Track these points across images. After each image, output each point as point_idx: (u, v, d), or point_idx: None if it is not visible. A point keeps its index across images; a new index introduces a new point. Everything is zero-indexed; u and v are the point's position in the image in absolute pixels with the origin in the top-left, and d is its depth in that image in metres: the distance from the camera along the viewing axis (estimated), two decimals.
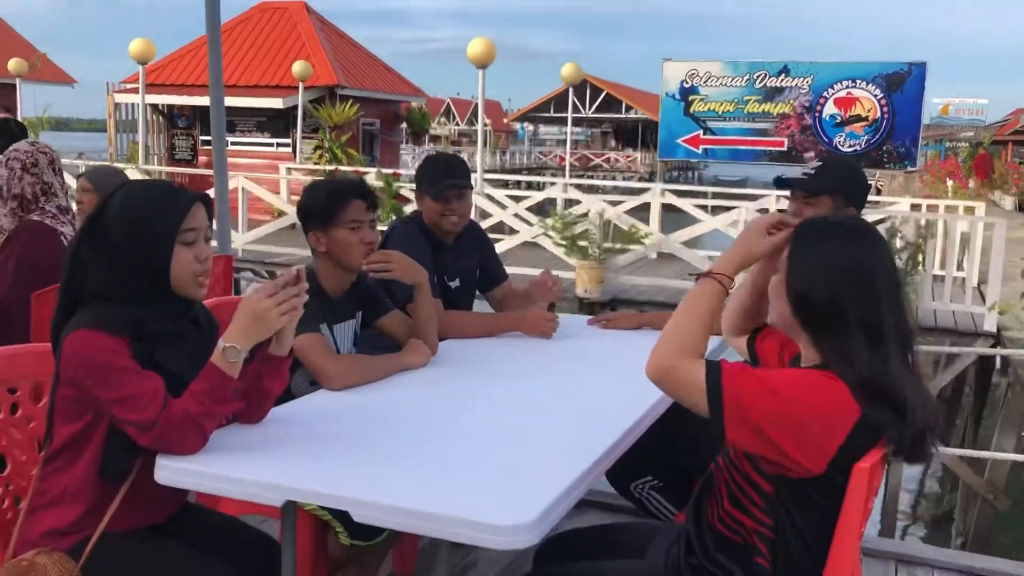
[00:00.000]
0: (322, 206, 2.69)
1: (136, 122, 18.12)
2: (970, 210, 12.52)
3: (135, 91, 17.39)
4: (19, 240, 3.37)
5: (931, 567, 3.39)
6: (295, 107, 18.19)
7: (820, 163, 2.87)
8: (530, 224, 11.69)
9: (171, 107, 19.62)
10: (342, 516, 2.36)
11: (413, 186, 12.90)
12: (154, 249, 1.97)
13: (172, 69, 20.02)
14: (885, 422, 1.71)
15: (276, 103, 18.49)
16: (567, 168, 17.50)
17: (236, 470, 1.88)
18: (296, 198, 14.85)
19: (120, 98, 19.72)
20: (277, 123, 19.21)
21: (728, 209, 11.27)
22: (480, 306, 3.59)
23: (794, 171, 3.00)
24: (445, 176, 3.24)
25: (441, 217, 3.25)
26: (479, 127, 11.95)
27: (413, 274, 2.80)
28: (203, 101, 18.38)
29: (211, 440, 1.95)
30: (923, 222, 8.74)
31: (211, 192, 4.47)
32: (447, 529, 1.70)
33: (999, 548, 7.41)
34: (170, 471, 1.89)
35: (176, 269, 1.99)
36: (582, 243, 9.97)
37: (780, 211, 11.42)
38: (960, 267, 10.66)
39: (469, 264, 3.44)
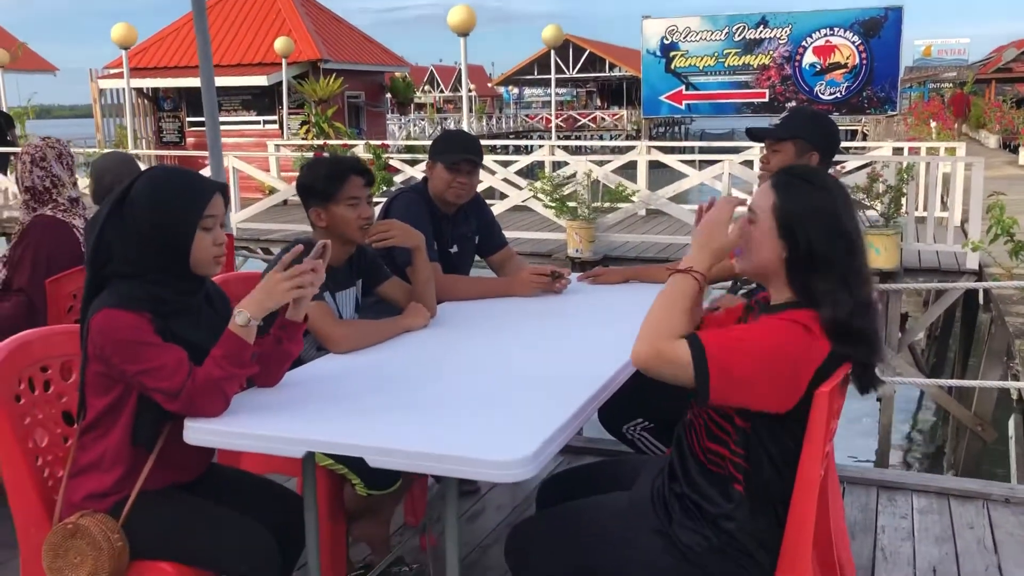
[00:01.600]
0: (322, 184, 2.83)
1: (122, 107, 18.12)
2: (951, 151, 12.65)
3: (119, 76, 17.36)
4: (32, 235, 3.54)
5: (910, 491, 3.60)
6: (279, 84, 18.20)
7: (788, 113, 3.10)
8: (519, 188, 11.81)
9: (156, 90, 19.59)
10: (358, 468, 2.55)
11: (402, 156, 12.98)
12: (178, 233, 2.15)
13: (155, 52, 19.96)
14: (850, 355, 1.90)
15: (260, 80, 18.48)
16: (553, 130, 17.56)
17: (258, 427, 2.06)
18: (286, 174, 14.99)
19: (104, 84, 19.67)
20: (262, 100, 19.21)
21: (713, 163, 11.39)
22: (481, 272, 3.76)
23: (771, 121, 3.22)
24: (462, 150, 3.38)
25: (448, 188, 3.39)
26: (464, 94, 12.03)
27: (410, 238, 2.98)
28: (188, 83, 18.38)
29: (233, 403, 2.13)
30: (904, 165, 8.87)
31: (204, 173, 4.59)
32: (455, 467, 1.88)
33: (987, 478, 7.66)
34: (198, 431, 2.06)
35: (196, 251, 2.17)
36: (571, 203, 10.11)
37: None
38: (944, 207, 10.84)
39: (467, 230, 3.60)
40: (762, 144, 3.14)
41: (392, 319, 2.86)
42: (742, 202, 2.03)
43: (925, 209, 10.18)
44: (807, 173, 2.06)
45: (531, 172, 14.22)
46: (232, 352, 2.11)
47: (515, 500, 3.55)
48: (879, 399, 9.17)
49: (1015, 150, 23.78)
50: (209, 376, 2.07)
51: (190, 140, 19.42)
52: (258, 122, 19.34)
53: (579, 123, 49.07)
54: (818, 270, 1.90)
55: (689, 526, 1.99)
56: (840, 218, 1.94)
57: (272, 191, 13.40)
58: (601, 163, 11.58)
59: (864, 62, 13.56)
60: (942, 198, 11.05)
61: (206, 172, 4.58)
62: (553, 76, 17.28)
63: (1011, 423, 6.77)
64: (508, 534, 2.25)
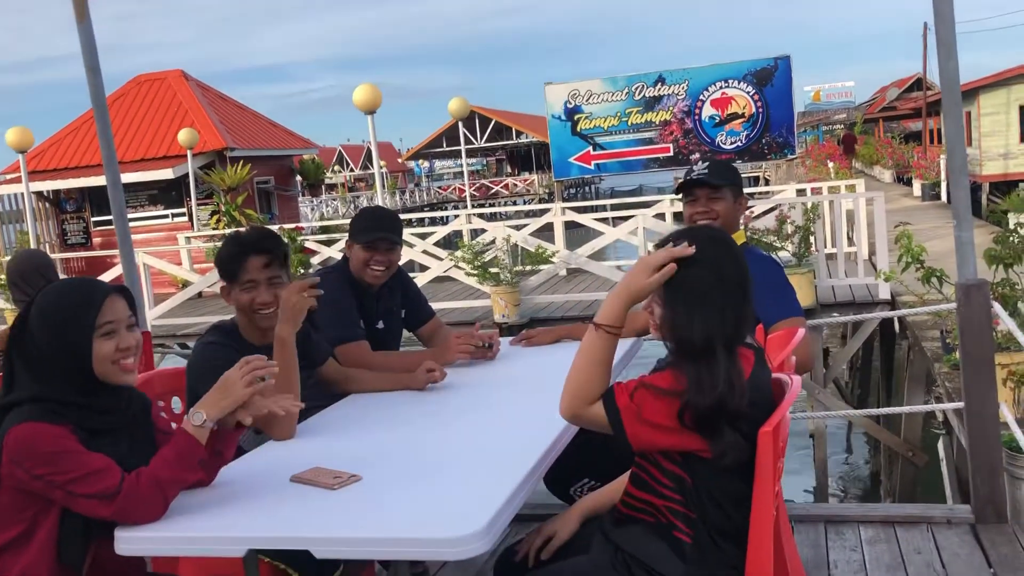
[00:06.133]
0: (224, 263, 2.78)
1: (21, 212, 17.61)
2: (852, 188, 13.16)
3: (17, 181, 16.92)
4: None
5: (856, 523, 3.62)
6: (186, 175, 17.96)
7: (707, 162, 3.11)
8: (440, 259, 11.83)
9: (57, 192, 19.10)
10: (297, 561, 2.44)
11: (317, 238, 12.87)
12: (73, 347, 2.04)
13: (52, 153, 19.53)
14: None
15: (166, 174, 18.20)
16: (468, 199, 17.73)
17: (195, 529, 1.95)
18: (199, 267, 14.70)
19: (0, 190, 19.11)
20: (169, 194, 18.90)
21: (627, 218, 11.63)
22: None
23: (686, 173, 3.21)
24: (377, 228, 3.34)
25: (366, 267, 3.35)
26: (376, 171, 12.05)
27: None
28: (90, 182, 17.99)
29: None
30: (809, 205, 9.18)
31: (114, 272, 4.41)
32: (406, 550, 1.82)
33: (922, 501, 7.80)
34: (130, 541, 1.94)
35: (97, 362, 2.06)
36: (493, 270, 10.15)
37: (676, 214, 11.77)
38: (851, 242, 11.23)
39: (393, 305, 3.55)
40: (673, 197, 3.22)
41: (390, 375, 3.01)
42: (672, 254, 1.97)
43: (834, 245, 10.54)
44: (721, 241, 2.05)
45: (449, 242, 14.26)
46: (184, 454, 2.01)
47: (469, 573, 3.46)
48: (812, 435, 9.31)
49: (908, 182, 24.95)
50: (154, 477, 1.96)
51: (97, 240, 18.94)
52: (167, 216, 18.99)
53: (492, 191, 49.68)
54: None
55: None
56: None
57: (186, 284, 13.12)
58: (518, 227, 11.70)
59: (760, 110, 14.12)
60: (848, 234, 11.46)
61: (116, 271, 4.45)
62: (463, 147, 17.51)
63: (940, 445, 6.94)
64: None
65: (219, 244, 13.34)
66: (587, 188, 54.02)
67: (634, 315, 3.48)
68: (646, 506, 1.99)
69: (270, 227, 13.94)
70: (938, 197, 20.78)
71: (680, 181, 3.16)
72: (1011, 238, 4.59)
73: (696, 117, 14.42)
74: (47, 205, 19.24)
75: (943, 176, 20.43)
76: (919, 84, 36.55)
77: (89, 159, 18.61)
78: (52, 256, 16.69)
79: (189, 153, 17.64)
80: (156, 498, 1.97)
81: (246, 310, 2.76)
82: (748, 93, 14.11)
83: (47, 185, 18.74)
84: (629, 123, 14.76)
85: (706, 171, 3.07)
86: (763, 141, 14.24)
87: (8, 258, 4.11)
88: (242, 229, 2.95)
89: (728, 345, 1.92)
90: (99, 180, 17.44)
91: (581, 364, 2.01)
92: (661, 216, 12.17)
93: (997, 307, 3.66)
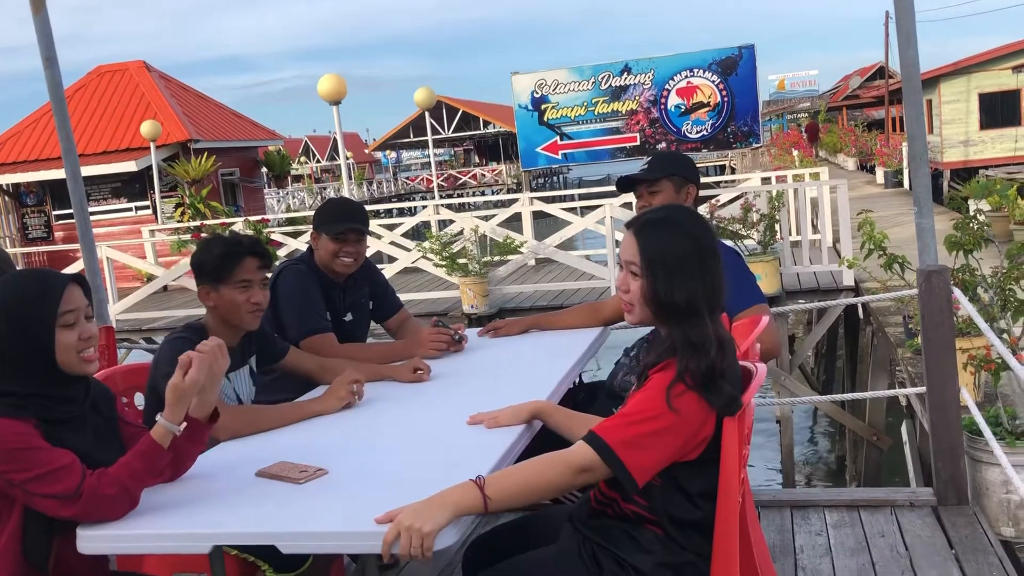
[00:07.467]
0: (214, 263, 2.71)
1: None
2: (815, 176, 13.29)
3: None
4: None
5: (822, 507, 3.67)
6: (149, 168, 17.73)
7: (650, 158, 3.18)
8: (408, 250, 11.79)
9: (16, 185, 18.78)
10: (265, 553, 2.43)
11: (283, 229, 12.72)
12: (35, 339, 2.01)
13: (12, 146, 19.18)
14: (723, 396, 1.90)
15: (129, 166, 17.96)
16: (435, 190, 17.68)
17: (160, 526, 1.93)
18: (164, 260, 14.53)
19: None
20: (133, 186, 18.65)
21: (594, 208, 11.66)
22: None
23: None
24: (345, 219, 3.32)
25: (335, 258, 3.32)
26: (342, 162, 11.96)
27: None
28: (50, 175, 17.71)
29: None
30: (774, 193, 9.25)
31: (76, 266, 4.34)
32: (372, 544, 1.80)
33: (887, 484, 7.93)
34: (93, 540, 1.92)
35: (61, 352, 2.03)
36: (461, 260, 10.13)
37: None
38: (815, 230, 11.34)
39: (360, 297, 3.53)
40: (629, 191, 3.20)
41: (295, 403, 2.72)
42: None
43: (798, 233, 10.64)
44: (670, 214, 2.08)
45: (418, 233, 14.21)
46: (148, 458, 1.99)
47: (436, 568, 3.46)
48: (778, 421, 9.42)
49: (872, 170, 25.26)
50: (118, 480, 1.94)
51: (59, 234, 18.66)
52: (130, 209, 18.75)
53: (460, 181, 49.54)
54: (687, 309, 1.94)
55: (617, 574, 1.97)
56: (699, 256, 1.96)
57: (151, 278, 12.97)
58: (486, 218, 11.69)
59: (725, 99, 14.20)
60: (813, 222, 11.57)
61: (78, 266, 4.38)
62: (430, 137, 17.45)
63: (903, 429, 7.03)
64: None
65: (184, 237, 13.25)
66: (555, 178, 54.06)
67: (599, 305, 3.52)
68: (613, 503, 2.00)
69: (233, 220, 13.77)
70: (901, 184, 21.05)
71: (620, 178, 3.23)
72: (971, 224, 4.65)
73: (662, 106, 14.49)
74: (7, 199, 18.93)
75: (905, 163, 20.69)
76: (882, 72, 36.95)
77: (49, 152, 18.32)
78: (12, 251, 16.43)
79: (152, 145, 17.41)
80: (121, 498, 1.95)
81: (235, 308, 2.71)
82: (713, 82, 14.19)
83: (7, 178, 18.44)
84: (596, 112, 14.80)
85: (645, 167, 3.13)
86: (728, 130, 14.33)
87: None
88: (222, 232, 2.90)
89: (710, 308, 1.94)
90: (60, 173, 17.13)
91: (523, 480, 1.91)
92: (628, 205, 12.20)
93: (957, 292, 3.71)
